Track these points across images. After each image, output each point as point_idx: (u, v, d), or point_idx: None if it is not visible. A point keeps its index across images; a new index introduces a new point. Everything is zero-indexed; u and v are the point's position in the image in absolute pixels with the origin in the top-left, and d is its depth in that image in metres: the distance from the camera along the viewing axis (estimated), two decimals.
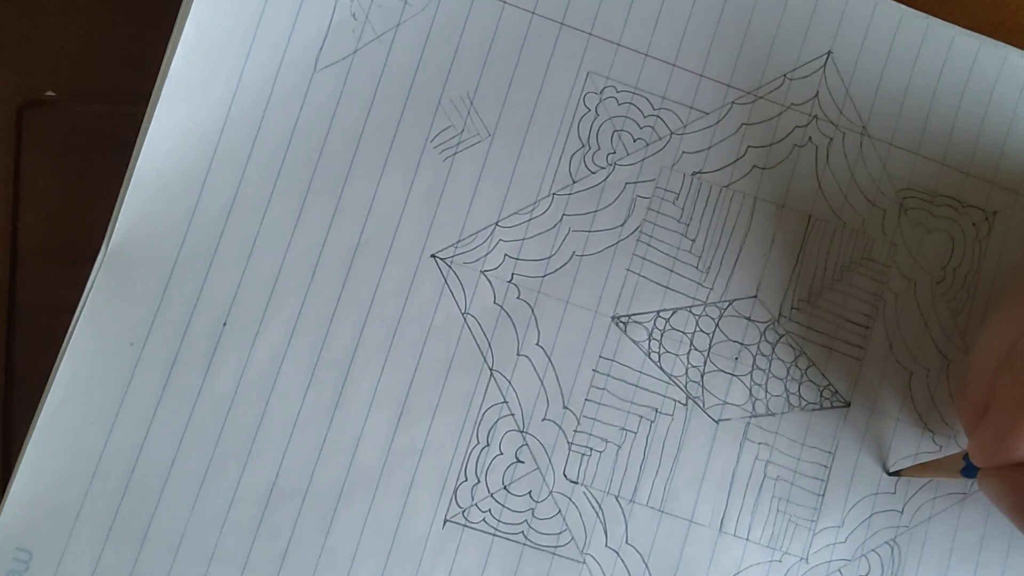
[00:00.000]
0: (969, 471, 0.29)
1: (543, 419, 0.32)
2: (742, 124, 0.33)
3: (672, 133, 0.33)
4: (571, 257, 0.32)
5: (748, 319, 0.33)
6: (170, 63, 0.31)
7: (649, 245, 0.33)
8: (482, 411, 0.32)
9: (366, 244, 0.32)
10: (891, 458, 0.33)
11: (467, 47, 0.32)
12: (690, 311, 0.32)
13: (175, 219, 0.31)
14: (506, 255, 0.32)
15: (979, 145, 0.33)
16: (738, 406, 0.32)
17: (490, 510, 0.31)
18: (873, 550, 0.32)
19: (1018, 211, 0.34)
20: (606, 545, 0.32)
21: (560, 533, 0.32)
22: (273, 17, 0.32)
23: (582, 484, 0.32)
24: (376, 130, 0.32)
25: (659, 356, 0.32)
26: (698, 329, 0.32)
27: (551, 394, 0.32)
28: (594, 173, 0.32)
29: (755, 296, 0.33)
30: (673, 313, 0.32)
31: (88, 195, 0.33)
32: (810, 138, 0.33)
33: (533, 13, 0.32)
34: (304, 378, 0.31)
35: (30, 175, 0.33)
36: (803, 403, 0.33)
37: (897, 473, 0.32)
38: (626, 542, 0.32)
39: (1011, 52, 0.34)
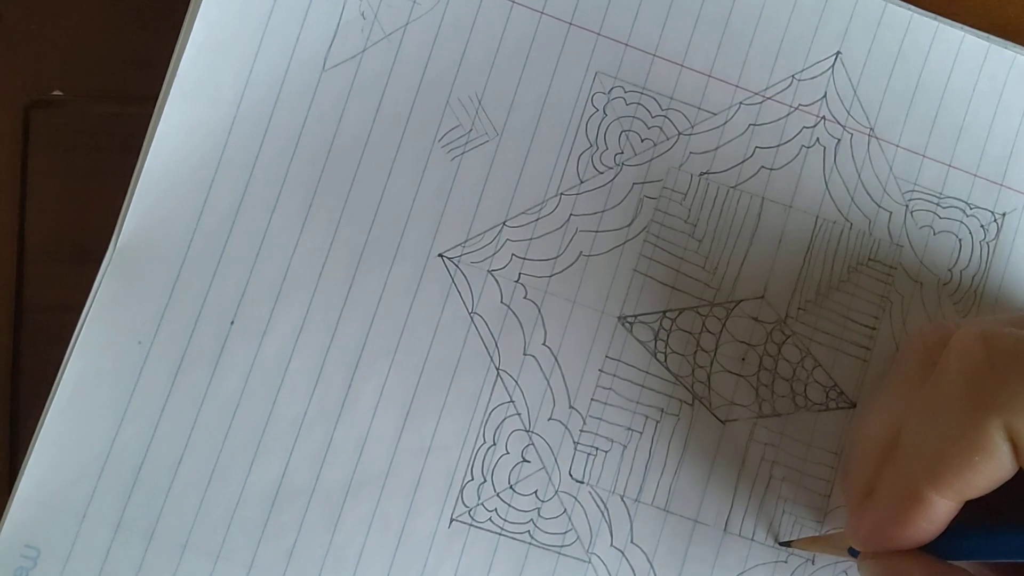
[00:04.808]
0: (856, 551, 0.29)
1: (549, 419, 0.32)
2: (750, 125, 0.33)
3: (680, 133, 0.33)
4: (578, 257, 0.32)
5: (755, 319, 0.33)
6: (179, 62, 0.31)
7: (656, 245, 0.33)
8: (489, 410, 0.32)
9: (373, 243, 0.32)
10: None
11: (475, 46, 0.32)
12: (696, 311, 0.32)
13: (183, 218, 0.31)
14: (513, 255, 0.32)
15: (988, 146, 0.33)
16: (744, 406, 0.32)
17: (496, 509, 0.31)
18: None
19: None
20: (611, 545, 0.32)
21: (566, 533, 0.32)
22: (282, 16, 0.31)
23: (588, 484, 0.32)
24: (384, 129, 0.32)
25: (665, 356, 0.32)
26: (704, 329, 0.32)
27: (557, 394, 0.32)
28: (602, 173, 0.32)
29: (762, 297, 0.33)
30: (680, 313, 0.32)
31: (95, 194, 0.33)
32: (817, 139, 0.33)
33: (542, 13, 0.32)
34: (311, 376, 0.31)
35: (37, 175, 0.33)
36: (809, 404, 0.33)
37: (787, 544, 0.32)
38: (631, 542, 0.32)
39: (1020, 53, 0.34)
